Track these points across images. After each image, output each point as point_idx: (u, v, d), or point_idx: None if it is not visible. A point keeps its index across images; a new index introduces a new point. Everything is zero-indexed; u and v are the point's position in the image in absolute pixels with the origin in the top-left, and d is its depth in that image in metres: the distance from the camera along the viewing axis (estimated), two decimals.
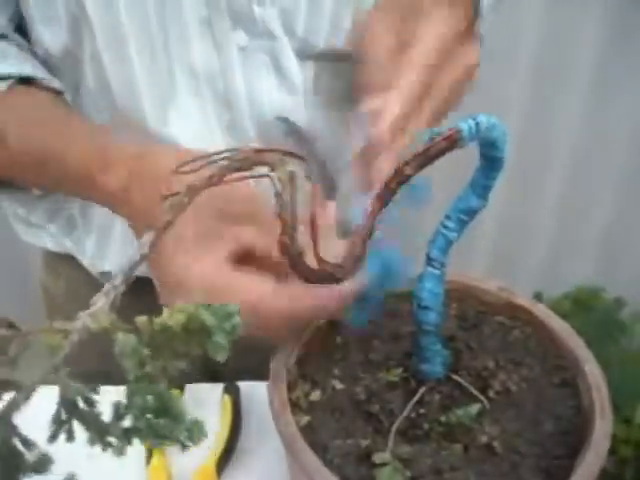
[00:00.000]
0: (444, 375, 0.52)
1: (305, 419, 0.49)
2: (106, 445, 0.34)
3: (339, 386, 0.52)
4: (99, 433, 0.33)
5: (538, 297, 1.51)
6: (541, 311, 0.58)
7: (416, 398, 0.50)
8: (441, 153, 0.40)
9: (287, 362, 0.51)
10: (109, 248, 0.73)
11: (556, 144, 1.41)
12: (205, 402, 0.66)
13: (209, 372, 0.70)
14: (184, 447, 0.33)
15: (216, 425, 0.63)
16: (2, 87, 0.62)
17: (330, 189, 0.75)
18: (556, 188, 1.47)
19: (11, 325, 0.34)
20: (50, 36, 0.63)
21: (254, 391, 0.66)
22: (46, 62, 0.66)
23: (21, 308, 0.86)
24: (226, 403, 0.64)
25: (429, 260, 0.49)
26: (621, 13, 1.27)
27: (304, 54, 0.69)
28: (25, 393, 0.31)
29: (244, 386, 0.67)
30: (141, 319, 0.33)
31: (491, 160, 0.42)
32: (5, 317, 0.34)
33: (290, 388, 0.50)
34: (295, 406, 0.50)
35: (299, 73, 0.69)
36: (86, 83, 0.66)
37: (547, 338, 0.57)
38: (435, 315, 0.50)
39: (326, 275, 0.40)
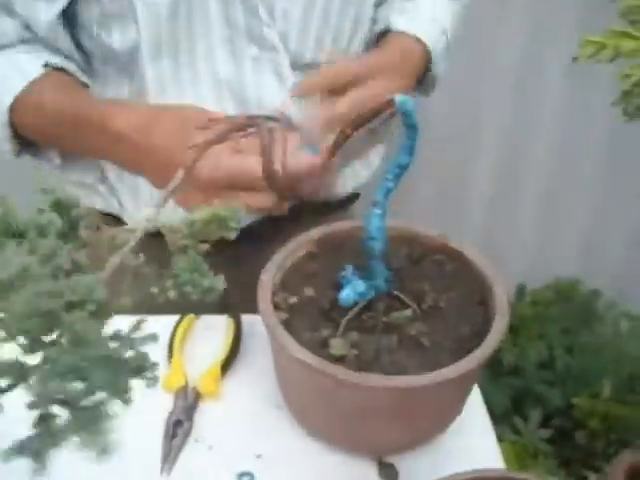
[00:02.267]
0: (387, 291, 0.73)
1: (284, 316, 0.71)
2: (164, 292, 0.55)
3: (311, 294, 0.73)
4: (160, 288, 0.55)
5: (521, 288, 1.72)
6: (468, 251, 0.79)
7: (364, 303, 0.71)
8: (373, 117, 0.61)
9: (273, 277, 0.73)
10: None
11: (538, 140, 1.62)
12: (214, 327, 0.87)
13: (221, 308, 0.91)
14: (205, 293, 0.55)
15: (222, 344, 0.84)
16: (43, 70, 0.88)
17: None
18: (538, 187, 1.67)
19: (98, 227, 0.56)
20: (120, 35, 0.86)
21: (254, 321, 0.86)
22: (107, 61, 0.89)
23: None
24: (229, 324, 0.86)
25: (374, 203, 0.70)
26: None
27: (295, 65, 0.92)
28: (107, 270, 0.53)
29: (246, 317, 0.88)
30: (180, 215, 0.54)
31: (408, 126, 0.64)
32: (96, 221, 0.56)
33: (274, 294, 0.72)
34: (277, 307, 0.71)
35: (292, 78, 0.92)
36: (133, 83, 0.89)
37: (472, 271, 0.77)
38: (380, 244, 0.71)
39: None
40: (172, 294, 0.55)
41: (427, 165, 1.47)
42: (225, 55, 0.89)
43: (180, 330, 0.85)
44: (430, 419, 0.70)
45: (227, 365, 0.82)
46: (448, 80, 0.99)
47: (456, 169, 1.57)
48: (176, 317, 0.87)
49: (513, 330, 1.64)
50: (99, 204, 0.99)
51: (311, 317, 0.72)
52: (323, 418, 0.72)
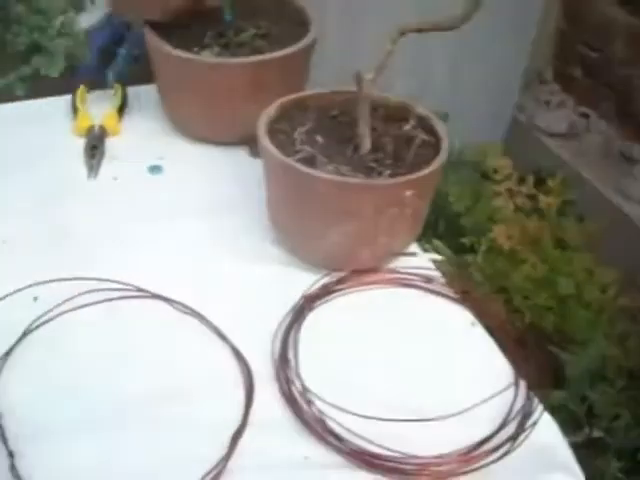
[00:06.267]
0: (234, 21, 1.06)
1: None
2: None
3: None
4: None
5: None
6: None
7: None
8: None
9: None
10: None
11: None
12: (105, 96, 1.16)
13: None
14: None
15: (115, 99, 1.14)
16: None
17: None
18: None
19: None
20: None
21: (137, 89, 1.17)
22: None
23: None
24: (117, 88, 1.15)
25: None
26: None
27: None
28: None
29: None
30: None
31: None
32: None
33: None
34: None
35: None
36: None
37: (293, 6, 1.11)
38: None
39: None
40: None
41: None
42: None
43: (78, 95, 1.14)
44: (283, 93, 1.02)
45: (122, 111, 1.13)
46: None
47: None
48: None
49: None
50: None
51: (180, 40, 1.03)
52: (199, 113, 1.04)
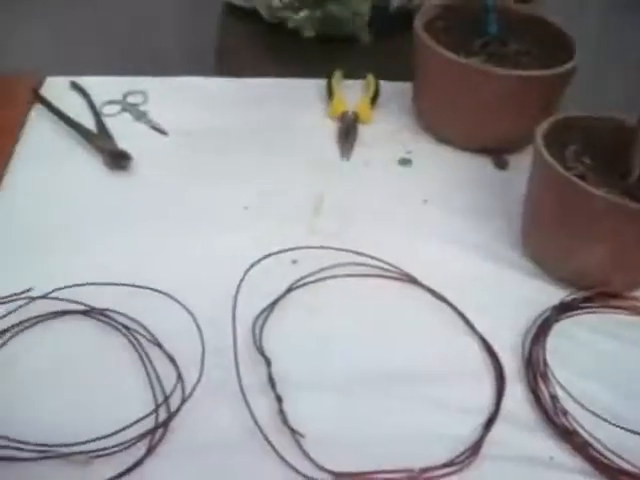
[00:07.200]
0: (499, 36, 1.10)
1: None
2: None
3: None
4: None
5: None
6: (550, 19, 1.15)
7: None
8: None
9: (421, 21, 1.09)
10: None
11: None
12: (356, 84, 1.24)
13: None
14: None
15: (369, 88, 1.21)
16: None
17: None
18: None
19: None
20: None
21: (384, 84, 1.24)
22: None
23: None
24: (370, 79, 1.22)
25: None
26: None
27: None
28: None
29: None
30: None
31: None
32: None
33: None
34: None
35: None
36: None
37: (553, 27, 1.14)
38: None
39: None
40: None
41: None
42: None
43: (334, 79, 1.22)
44: (539, 112, 1.05)
45: (374, 102, 1.20)
46: None
47: None
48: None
49: None
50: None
51: (449, 45, 1.08)
52: (454, 116, 1.10)
